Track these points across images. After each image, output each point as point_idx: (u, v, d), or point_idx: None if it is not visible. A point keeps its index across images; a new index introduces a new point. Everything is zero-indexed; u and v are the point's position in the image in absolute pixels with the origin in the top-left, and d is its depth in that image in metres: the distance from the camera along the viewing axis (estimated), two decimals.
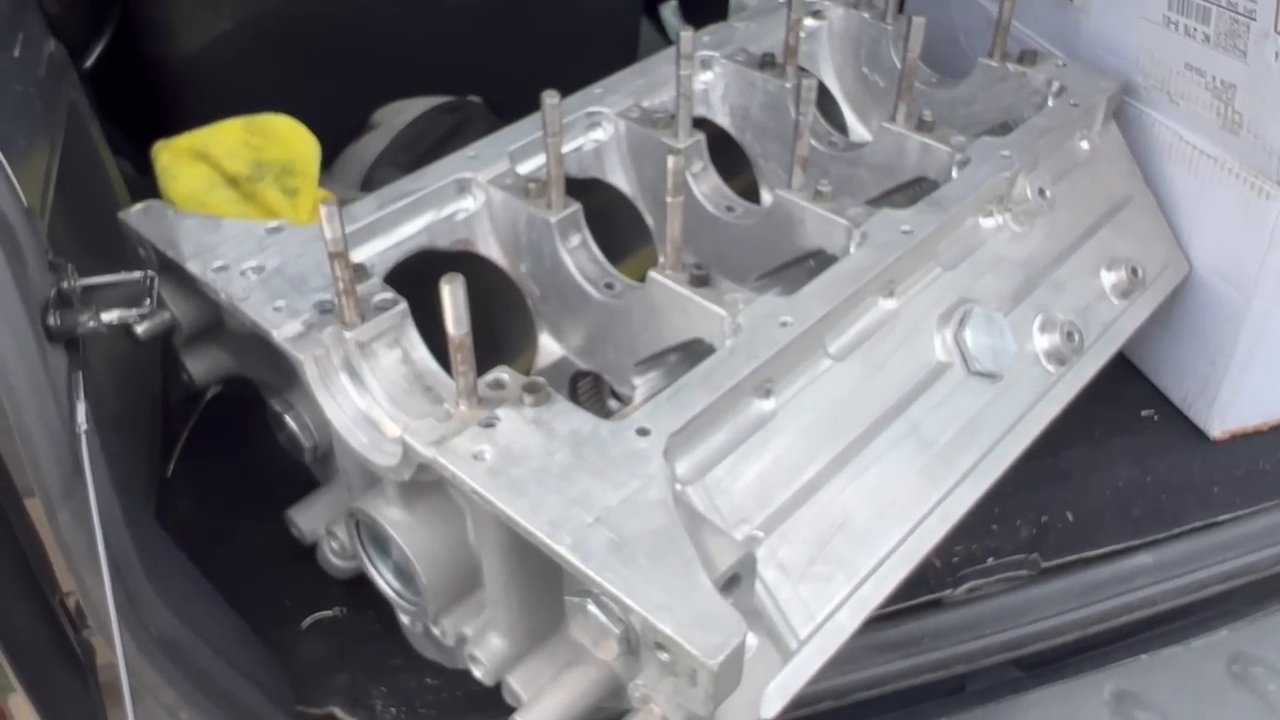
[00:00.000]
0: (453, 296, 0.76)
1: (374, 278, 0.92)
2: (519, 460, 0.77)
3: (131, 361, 1.13)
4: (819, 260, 1.04)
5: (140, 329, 1.01)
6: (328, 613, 1.13)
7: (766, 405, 0.88)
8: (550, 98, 0.96)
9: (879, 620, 1.11)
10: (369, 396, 0.89)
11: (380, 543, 0.94)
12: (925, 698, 1.16)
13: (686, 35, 1.05)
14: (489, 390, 0.83)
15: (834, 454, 0.90)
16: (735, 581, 0.77)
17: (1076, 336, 1.06)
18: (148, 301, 0.83)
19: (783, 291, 1.03)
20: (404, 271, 1.05)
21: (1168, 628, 1.18)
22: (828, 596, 0.86)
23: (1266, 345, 1.19)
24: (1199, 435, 1.30)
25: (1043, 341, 1.05)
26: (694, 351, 0.95)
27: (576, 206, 1.03)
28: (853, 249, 0.99)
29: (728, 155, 1.29)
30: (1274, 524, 1.23)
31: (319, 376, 0.87)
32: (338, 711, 1.04)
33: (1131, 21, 1.19)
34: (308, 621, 1.12)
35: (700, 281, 0.93)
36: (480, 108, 1.64)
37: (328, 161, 1.60)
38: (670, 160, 0.88)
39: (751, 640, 0.82)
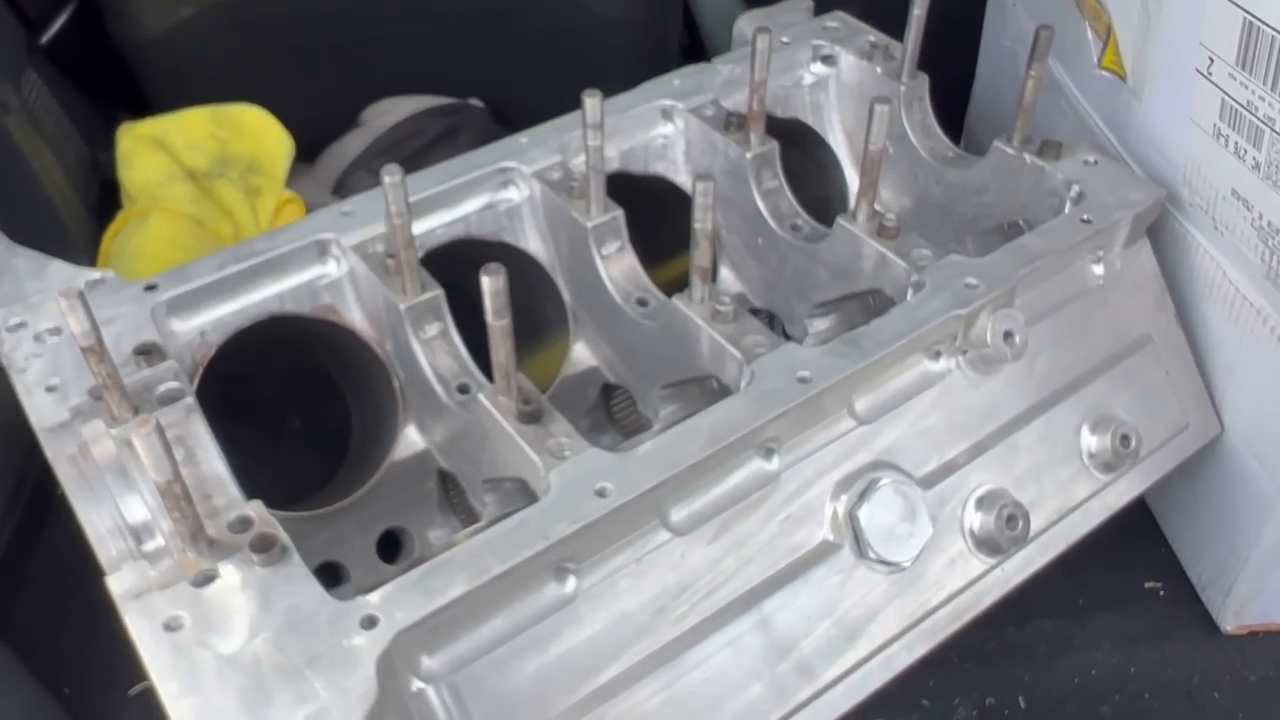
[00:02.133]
0: (147, 445, 0.63)
1: (168, 361, 0.81)
2: (215, 639, 0.65)
3: None
4: (721, 383, 0.87)
5: None
6: None
7: (563, 589, 0.73)
8: (391, 175, 0.81)
9: None
10: (140, 501, 0.78)
11: None
12: None
13: (592, 103, 0.88)
14: (228, 533, 0.71)
15: (646, 653, 0.74)
16: None
17: (1020, 523, 0.85)
18: None
19: (677, 412, 0.87)
20: (259, 335, 0.94)
21: None
22: None
23: None
24: (1209, 625, 1.07)
25: (974, 523, 0.86)
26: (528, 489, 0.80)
27: (436, 292, 0.89)
28: (742, 387, 0.82)
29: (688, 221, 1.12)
30: None
31: (74, 479, 0.77)
32: None
33: (1180, 122, 0.95)
34: (136, 689, 1.05)
35: (528, 418, 0.78)
36: (480, 112, 1.50)
37: (311, 158, 1.49)
38: (486, 281, 0.72)
39: None
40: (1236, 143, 0.87)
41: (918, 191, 1.13)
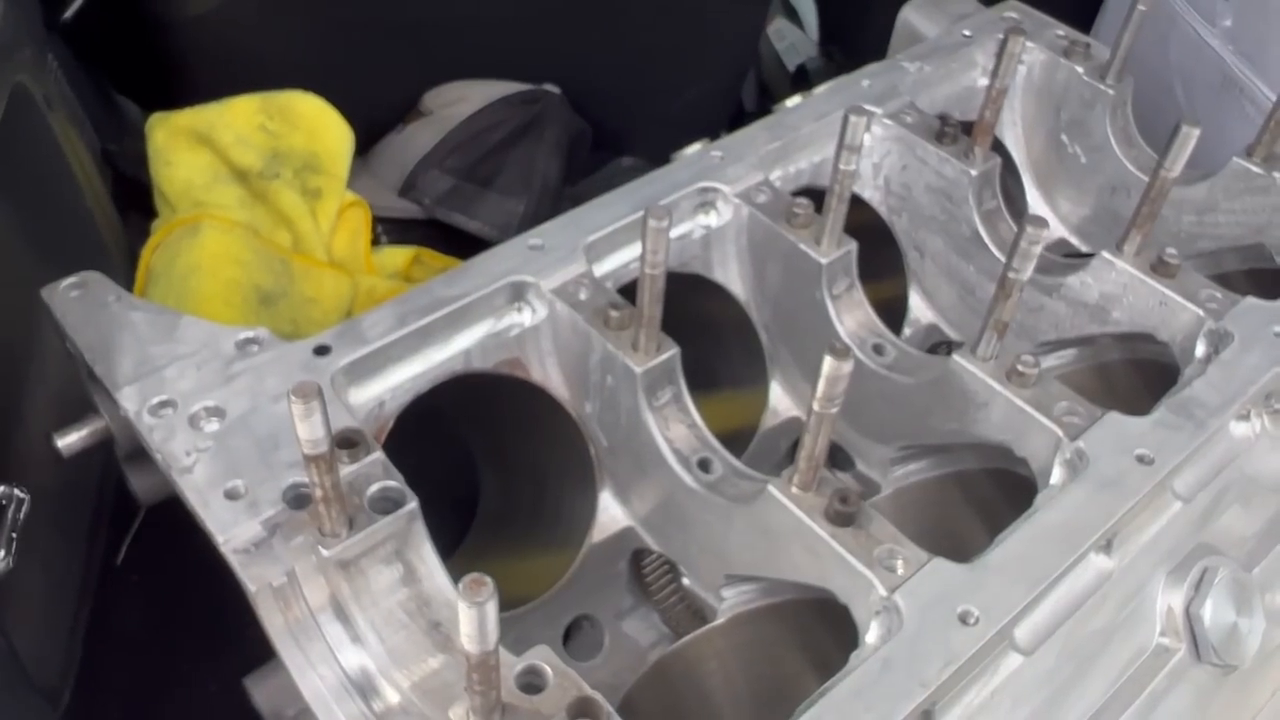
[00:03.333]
0: (478, 617, 0.47)
1: (375, 453, 0.64)
2: None
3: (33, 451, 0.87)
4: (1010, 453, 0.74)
5: (62, 444, 0.75)
6: None
7: None
8: (658, 219, 0.65)
9: None
10: (353, 635, 0.62)
11: None
12: None
13: (857, 120, 0.74)
14: (518, 693, 0.55)
15: None
16: None
17: None
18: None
19: (916, 473, 0.74)
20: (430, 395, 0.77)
21: None
22: None
23: None
24: None
25: None
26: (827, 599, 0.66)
27: (673, 352, 0.73)
28: (1058, 471, 0.69)
29: (871, 245, 0.98)
30: None
31: (282, 623, 0.60)
32: None
33: None
34: None
35: (843, 520, 0.64)
36: (557, 100, 1.32)
37: (362, 151, 1.30)
38: (829, 364, 0.58)
39: None
40: None
41: (1114, 206, 1.02)
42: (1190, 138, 0.76)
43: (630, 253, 0.83)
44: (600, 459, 0.81)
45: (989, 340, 0.73)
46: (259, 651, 0.74)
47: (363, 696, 0.60)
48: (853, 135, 0.74)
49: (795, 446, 0.91)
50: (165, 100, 1.20)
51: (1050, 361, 0.90)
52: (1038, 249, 0.67)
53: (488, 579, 0.47)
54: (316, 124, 1.20)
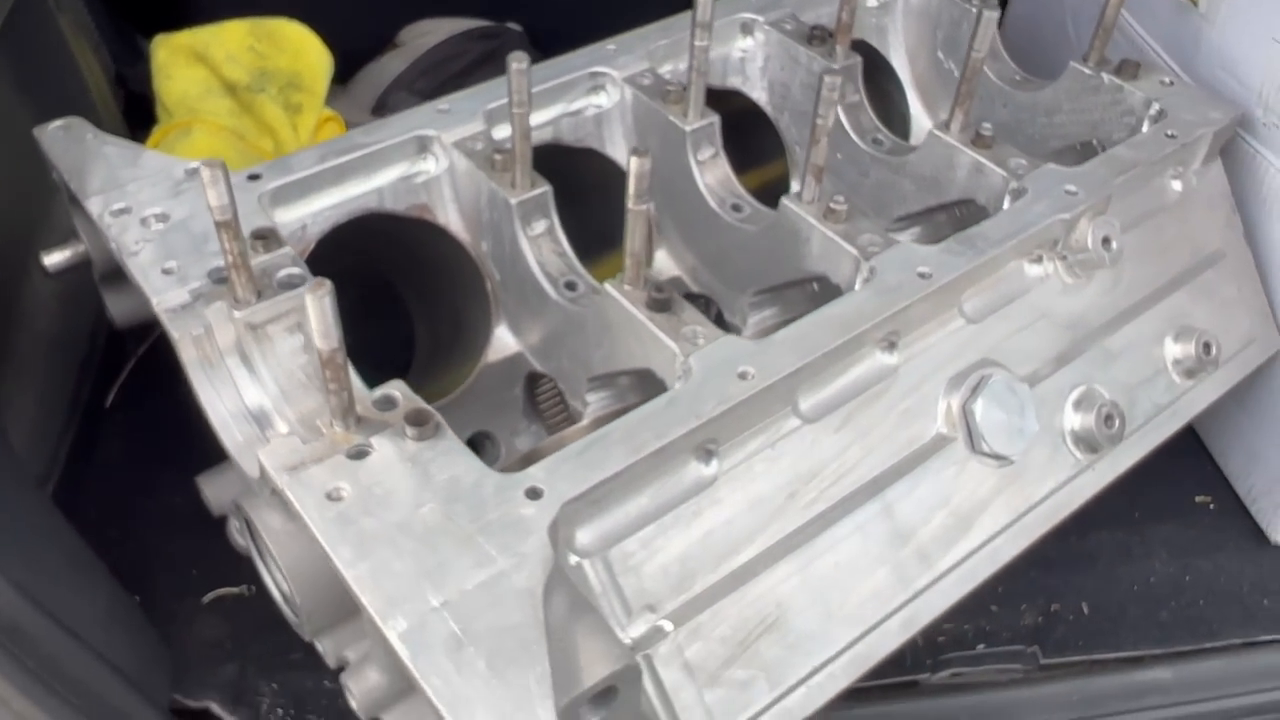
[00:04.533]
0: (318, 308, 0.62)
1: (285, 248, 0.79)
2: (379, 509, 0.65)
3: (48, 289, 1.04)
4: (824, 287, 0.88)
5: (48, 260, 0.91)
6: (234, 589, 1.04)
7: (706, 470, 0.74)
8: (518, 62, 0.80)
9: (834, 698, 0.98)
10: (260, 387, 0.77)
11: (262, 545, 0.83)
12: None
13: (704, 1, 0.88)
14: (374, 410, 0.70)
15: (780, 536, 0.75)
16: (610, 696, 0.63)
17: (1116, 422, 0.88)
18: None
19: (779, 314, 0.88)
20: (347, 231, 0.92)
21: None
22: (740, 707, 0.72)
23: None
24: (1259, 536, 1.11)
25: (1074, 422, 0.88)
26: (649, 380, 0.81)
27: (545, 189, 0.88)
28: (858, 285, 0.83)
29: (761, 136, 1.13)
30: None
31: (197, 360, 0.75)
32: (215, 707, 0.95)
33: (1259, 41, 0.98)
34: (210, 597, 1.03)
35: (659, 306, 0.78)
36: (518, 36, 1.49)
37: (345, 78, 1.47)
38: (634, 162, 0.72)
39: None
40: None
41: (982, 114, 1.15)
42: (990, 22, 0.90)
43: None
44: (495, 293, 0.96)
45: (809, 185, 0.87)
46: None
47: (258, 425, 0.75)
48: (703, 13, 0.89)
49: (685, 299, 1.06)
50: (168, 25, 1.37)
51: (903, 238, 1.03)
52: (835, 95, 0.81)
53: (328, 281, 0.62)
54: (300, 47, 1.37)
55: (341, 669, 0.80)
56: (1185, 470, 1.16)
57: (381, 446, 0.68)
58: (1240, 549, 1.10)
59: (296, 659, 0.98)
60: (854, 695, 0.98)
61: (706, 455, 0.74)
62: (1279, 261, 1.02)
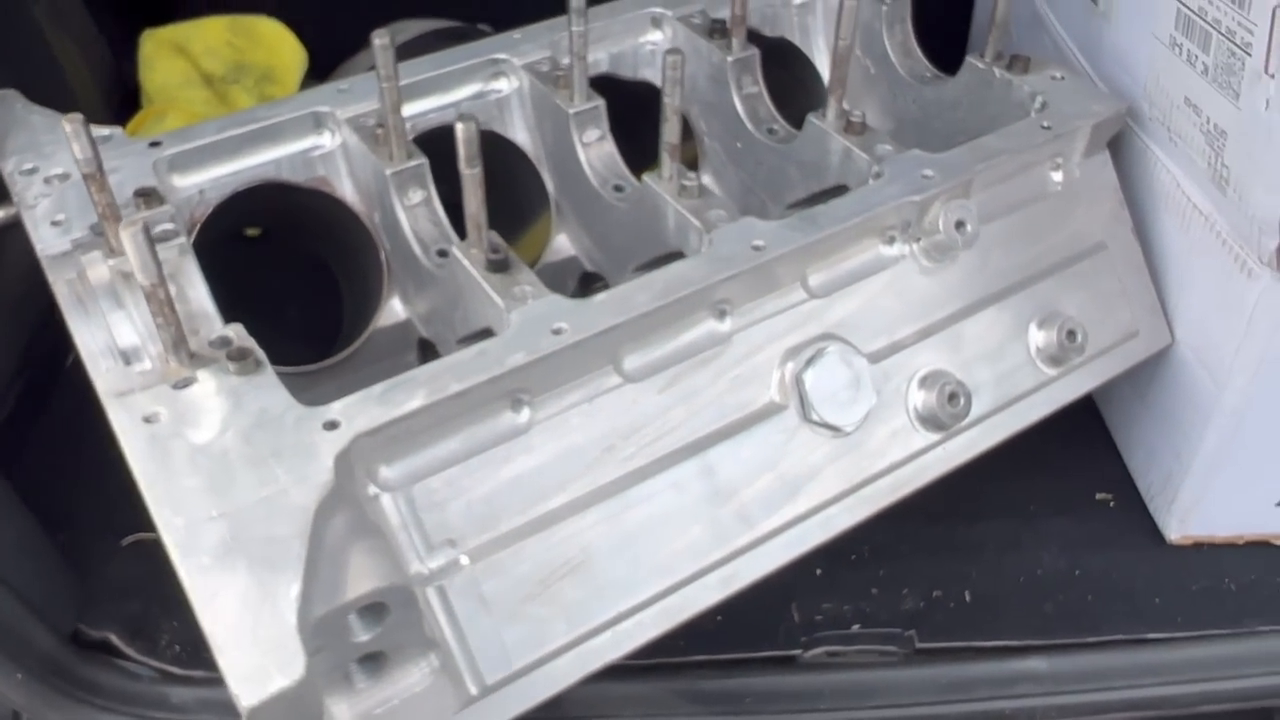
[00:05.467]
0: (134, 243, 0.69)
1: (165, 206, 0.86)
2: (188, 432, 0.71)
3: None
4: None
5: None
6: (151, 535, 1.11)
7: (518, 418, 0.78)
8: (380, 38, 0.86)
9: (705, 667, 1.01)
10: (130, 327, 0.84)
11: None
12: None
13: None
14: (210, 348, 0.76)
15: (593, 486, 0.79)
16: (380, 610, 0.68)
17: (961, 401, 0.90)
18: None
19: None
20: (256, 202, 0.99)
21: None
22: (537, 642, 0.76)
23: (1239, 446, 0.99)
24: (1155, 535, 1.11)
25: (918, 399, 0.90)
26: None
27: (420, 161, 0.94)
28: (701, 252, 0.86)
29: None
30: (1218, 656, 1.04)
31: (70, 300, 0.82)
32: (114, 638, 1.01)
33: (1143, 37, 0.99)
34: (129, 540, 1.10)
35: (496, 266, 0.83)
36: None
37: (323, 74, 1.55)
38: (460, 128, 0.78)
39: (422, 678, 0.73)
40: (1189, 50, 0.91)
41: (898, 111, 1.18)
42: (850, 9, 0.93)
43: (427, 104, 1.04)
44: (388, 262, 1.02)
45: (666, 163, 0.91)
46: None
47: (125, 361, 0.82)
48: (578, 0, 0.94)
49: (581, 279, 1.11)
50: (165, 20, 1.48)
51: None
52: (677, 74, 0.86)
53: (141, 219, 0.69)
54: (275, 43, 1.47)
55: None
56: (1090, 466, 1.16)
57: (205, 380, 0.74)
58: (1135, 547, 1.10)
59: None
60: (728, 666, 1.02)
61: (517, 404, 0.78)
62: (1169, 255, 1.03)
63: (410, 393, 0.73)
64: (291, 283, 1.26)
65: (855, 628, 1.04)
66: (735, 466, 0.84)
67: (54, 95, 1.05)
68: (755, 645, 1.03)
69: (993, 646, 1.04)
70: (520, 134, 1.08)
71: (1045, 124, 0.98)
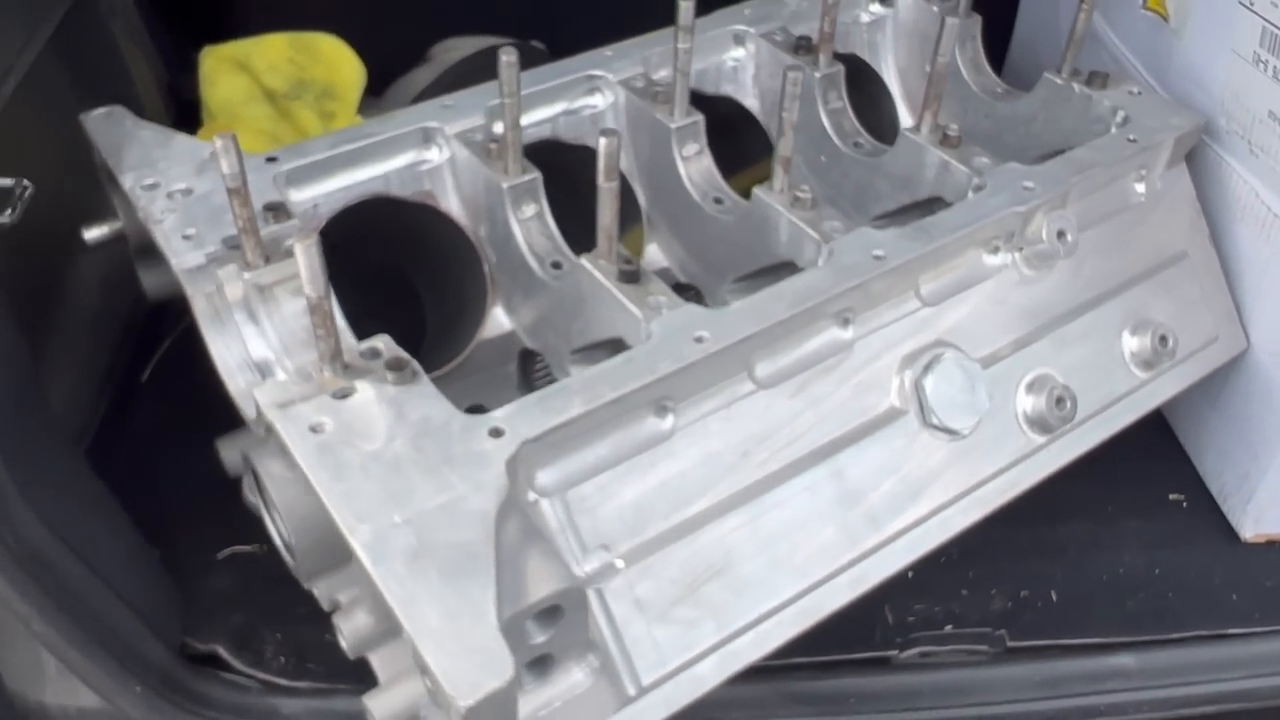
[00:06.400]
0: (306, 256, 0.70)
1: (293, 219, 0.88)
2: (356, 440, 0.72)
3: (86, 264, 1.13)
4: (792, 273, 0.95)
5: (88, 235, 1.00)
6: (246, 548, 1.12)
7: (662, 424, 0.80)
8: (507, 55, 0.88)
9: (804, 669, 1.03)
10: (265, 342, 0.85)
11: (265, 493, 0.91)
12: None
13: (686, 5, 0.96)
14: (360, 359, 0.78)
15: (732, 491, 0.81)
16: (555, 614, 0.70)
17: (1068, 404, 0.93)
18: (8, 211, 0.80)
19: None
20: (360, 216, 1.00)
21: None
22: (688, 644, 0.78)
23: None
24: (1229, 534, 1.14)
25: (1026, 404, 0.93)
26: (620, 347, 0.87)
27: (535, 175, 0.96)
28: (820, 263, 0.89)
29: (752, 141, 1.20)
30: None
31: (208, 314, 0.84)
32: (222, 651, 1.02)
33: (1221, 53, 1.03)
34: (224, 554, 1.11)
35: (628, 277, 0.85)
36: (541, 54, 1.57)
37: (379, 90, 1.57)
38: (603, 141, 0.80)
39: (583, 679, 0.75)
40: (1275, 67, 0.95)
41: (968, 125, 1.20)
42: (952, 27, 0.96)
43: (526, 118, 1.06)
44: (492, 275, 1.04)
45: (778, 175, 0.94)
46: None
47: (260, 374, 0.83)
48: (685, 18, 0.96)
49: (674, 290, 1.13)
50: (216, 38, 1.49)
51: None
52: (797, 89, 0.88)
53: (315, 233, 0.70)
54: (335, 59, 1.48)
55: (334, 611, 0.88)
56: (1161, 469, 1.20)
57: (364, 389, 0.75)
58: (1211, 545, 1.14)
59: (301, 613, 1.05)
60: (826, 668, 1.04)
61: (663, 411, 0.80)
62: (1244, 264, 1.07)
63: (567, 400, 0.75)
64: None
65: (948, 628, 1.07)
66: (862, 470, 0.86)
67: (129, 108, 1.06)
68: (852, 647, 1.05)
69: (1081, 644, 1.07)
70: None
71: (1131, 137, 1.02)
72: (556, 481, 0.76)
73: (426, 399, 0.75)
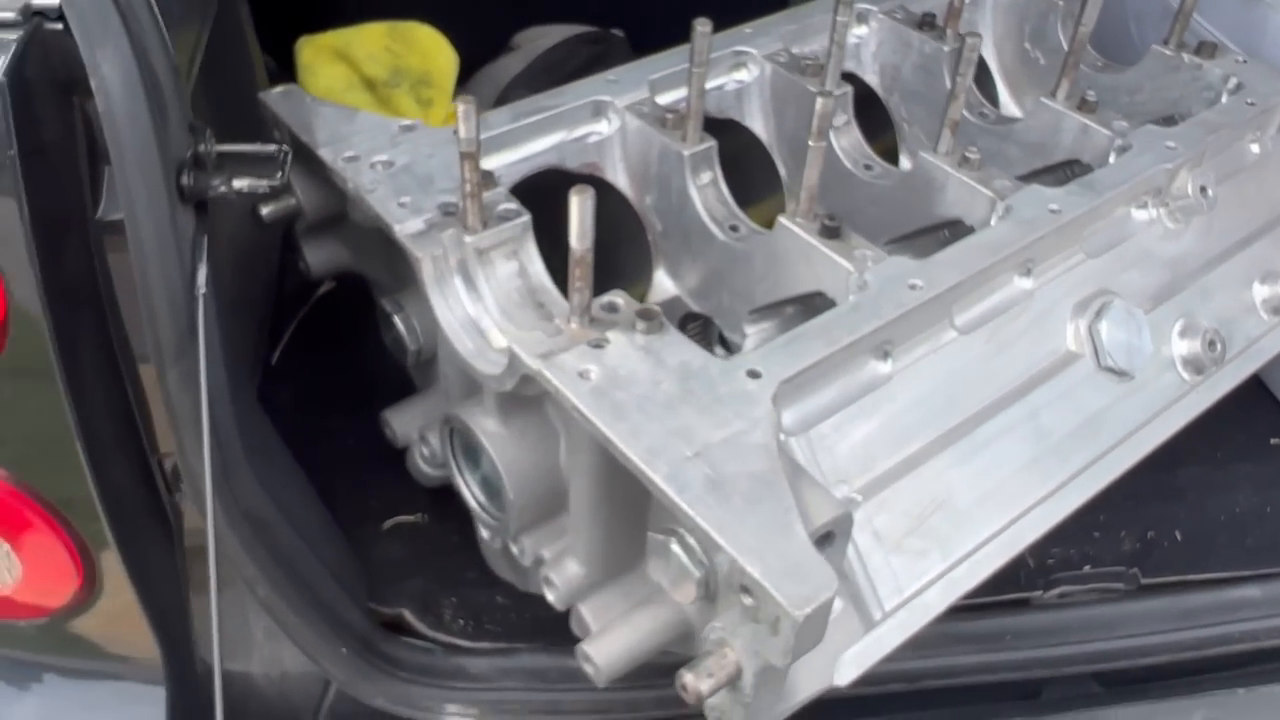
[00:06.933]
0: (581, 209, 0.74)
1: (500, 187, 0.91)
2: (624, 384, 0.75)
3: (252, 243, 1.14)
4: (954, 231, 1.00)
5: (265, 210, 1.02)
6: (409, 517, 1.14)
7: (883, 368, 0.85)
8: (702, 25, 0.93)
9: (961, 610, 1.07)
10: (480, 304, 0.88)
11: (471, 453, 0.94)
12: (998, 698, 1.12)
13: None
14: (602, 312, 0.81)
15: (945, 429, 0.86)
16: (829, 540, 0.74)
17: (1219, 346, 0.99)
18: (279, 174, 0.83)
19: (777, 327, 0.98)
20: (529, 188, 1.04)
21: (1268, 666, 1.11)
22: (919, 573, 0.82)
23: None
24: None
25: (1181, 347, 0.99)
26: (812, 306, 0.92)
27: (712, 143, 1.00)
28: (994, 222, 0.94)
29: (869, 115, 1.25)
30: None
31: (434, 276, 0.87)
32: (408, 615, 1.04)
33: None
34: (389, 524, 1.13)
35: (831, 233, 0.90)
36: (621, 42, 1.62)
37: (465, 78, 1.59)
38: (819, 102, 0.84)
39: (836, 604, 0.79)
40: None
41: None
42: (1097, 1, 1.02)
43: (684, 91, 1.10)
44: (656, 243, 1.08)
45: (945, 138, 0.99)
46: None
47: (480, 335, 0.86)
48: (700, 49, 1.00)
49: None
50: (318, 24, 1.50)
51: None
52: (974, 55, 0.94)
53: (590, 187, 0.74)
54: (430, 48, 1.50)
55: (538, 564, 0.91)
56: (1259, 417, 1.28)
57: (616, 339, 0.79)
58: None
59: (472, 577, 1.08)
60: (974, 609, 1.10)
61: (884, 355, 0.85)
62: None
63: (808, 344, 0.80)
64: None
65: (1086, 568, 1.13)
66: (1049, 411, 0.92)
67: (250, 93, 1.08)
68: (999, 589, 1.10)
69: (1209, 579, 1.13)
70: (758, 123, 1.15)
71: (1250, 100, 1.09)
72: (798, 421, 0.81)
73: (679, 345, 0.79)
